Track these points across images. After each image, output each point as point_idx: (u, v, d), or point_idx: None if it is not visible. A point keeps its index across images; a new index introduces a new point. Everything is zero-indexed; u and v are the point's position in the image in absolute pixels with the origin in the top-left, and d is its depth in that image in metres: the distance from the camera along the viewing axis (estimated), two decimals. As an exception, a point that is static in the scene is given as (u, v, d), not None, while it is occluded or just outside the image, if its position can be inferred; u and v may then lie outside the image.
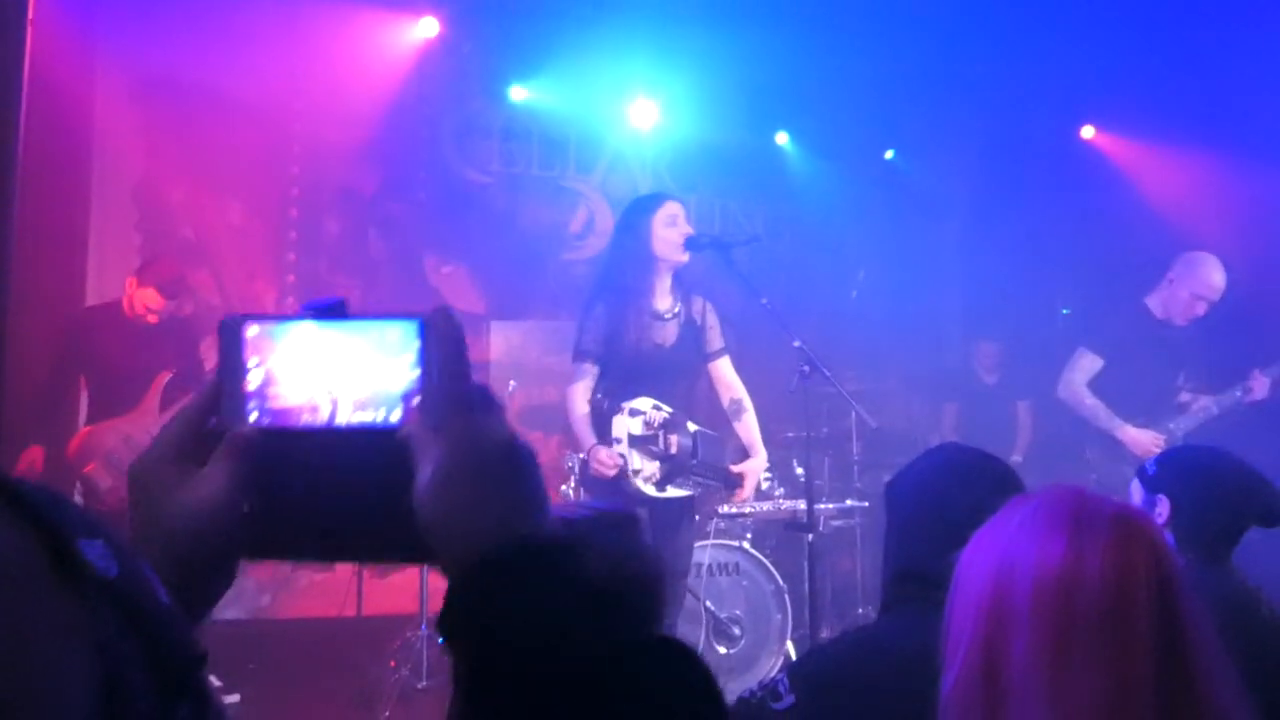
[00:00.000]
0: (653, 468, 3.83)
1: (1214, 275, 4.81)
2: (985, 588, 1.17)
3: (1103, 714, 1.07)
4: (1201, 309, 4.83)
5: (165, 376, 4.66)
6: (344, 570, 5.91)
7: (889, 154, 7.56)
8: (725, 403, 4.20)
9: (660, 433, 3.83)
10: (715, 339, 4.19)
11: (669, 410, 3.88)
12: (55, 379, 4.68)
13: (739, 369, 4.24)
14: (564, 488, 4.93)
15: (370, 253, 6.54)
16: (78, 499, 4.36)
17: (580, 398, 3.98)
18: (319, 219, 6.44)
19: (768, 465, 4.30)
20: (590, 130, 7.07)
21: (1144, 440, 4.72)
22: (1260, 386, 4.83)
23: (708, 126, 7.08)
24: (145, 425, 4.55)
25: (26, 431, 4.46)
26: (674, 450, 3.81)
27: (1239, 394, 4.85)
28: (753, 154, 7.31)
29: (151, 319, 4.68)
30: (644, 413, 3.84)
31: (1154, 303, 4.94)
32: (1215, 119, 5.94)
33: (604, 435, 3.90)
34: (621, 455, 3.82)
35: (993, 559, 1.19)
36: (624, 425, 3.83)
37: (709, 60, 6.46)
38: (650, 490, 3.80)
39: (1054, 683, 1.09)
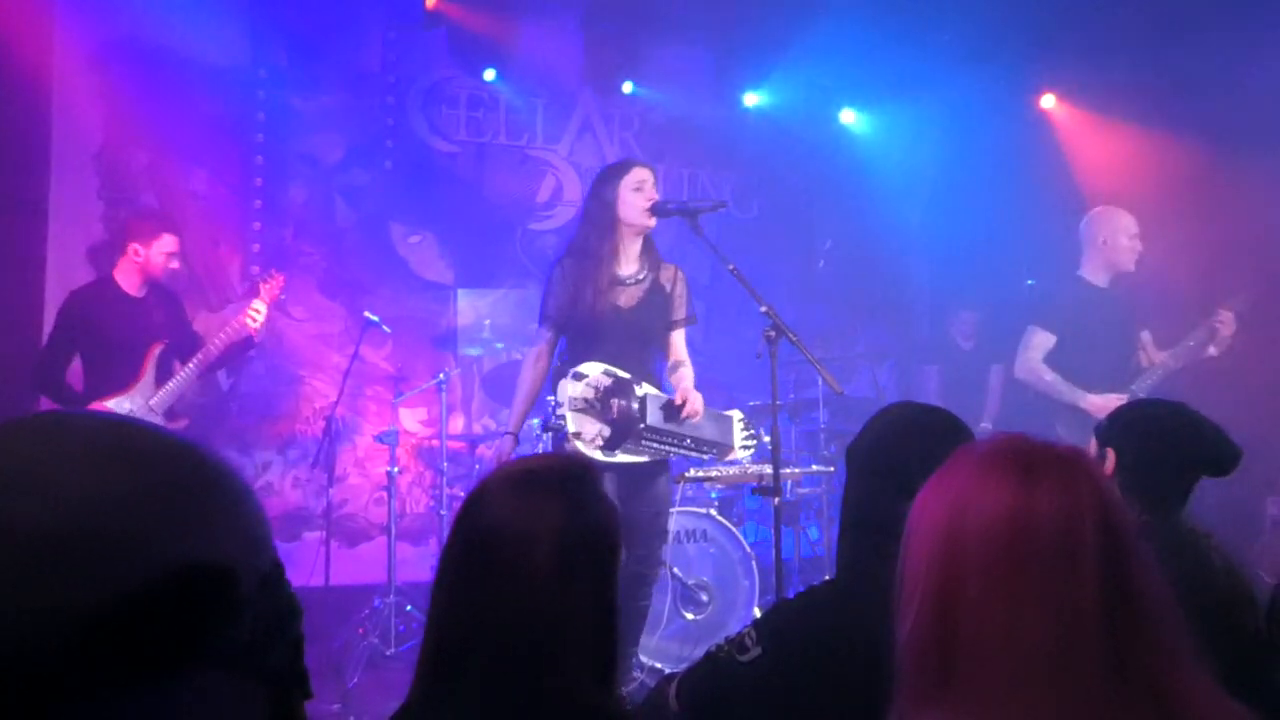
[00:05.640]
0: (594, 431, 3.82)
1: (1128, 217, 4.91)
2: (937, 533, 1.19)
3: (1052, 650, 1.10)
4: (1140, 246, 4.89)
5: (158, 347, 4.76)
6: (312, 540, 5.90)
7: (851, 117, 7.53)
8: (669, 364, 4.21)
9: (604, 398, 3.84)
10: (680, 308, 4.18)
11: (619, 374, 3.87)
12: (55, 358, 4.73)
13: (707, 335, 4.24)
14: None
15: (336, 221, 6.48)
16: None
17: (530, 364, 4.07)
18: (284, 187, 6.37)
19: (744, 419, 4.31)
20: (557, 100, 7.04)
21: (1108, 405, 4.72)
22: (1227, 321, 4.73)
23: (676, 96, 7.06)
24: (145, 397, 4.65)
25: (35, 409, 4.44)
26: (614, 414, 3.81)
27: (1193, 343, 4.80)
28: (721, 124, 7.30)
29: (174, 264, 4.88)
30: (587, 376, 3.84)
31: (1090, 271, 4.97)
32: (1170, 91, 5.98)
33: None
34: (563, 416, 3.83)
35: (943, 505, 1.20)
36: (567, 389, 3.83)
37: (679, 29, 6.44)
38: (597, 454, 3.79)
39: (1006, 623, 1.12)
